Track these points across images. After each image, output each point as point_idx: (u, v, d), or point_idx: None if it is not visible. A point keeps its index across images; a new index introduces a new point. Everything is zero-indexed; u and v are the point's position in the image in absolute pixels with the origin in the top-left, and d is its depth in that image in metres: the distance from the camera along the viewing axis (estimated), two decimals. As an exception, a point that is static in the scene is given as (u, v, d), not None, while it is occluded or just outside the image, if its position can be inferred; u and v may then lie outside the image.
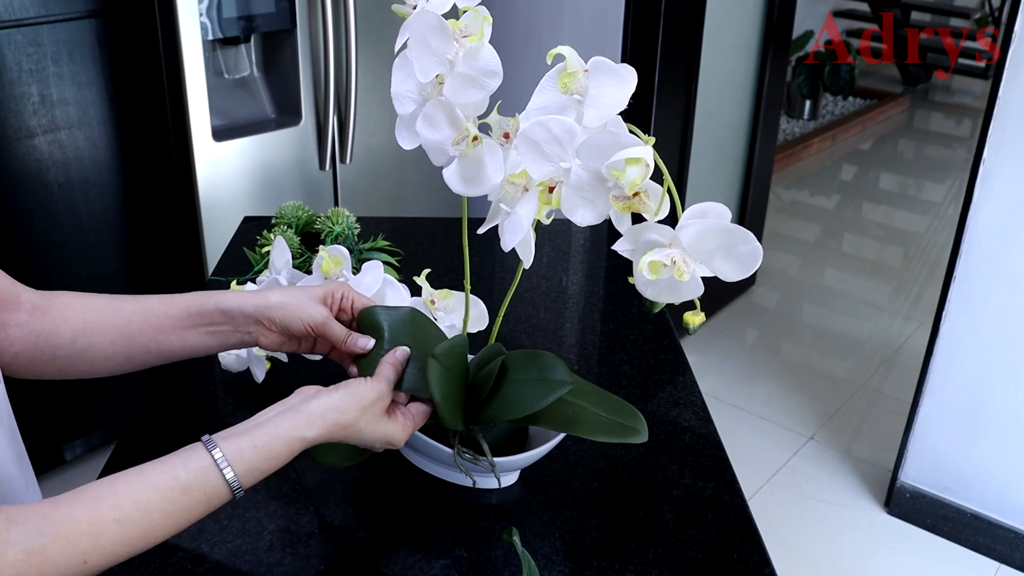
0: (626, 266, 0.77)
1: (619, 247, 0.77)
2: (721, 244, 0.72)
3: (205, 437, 0.74)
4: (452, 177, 0.79)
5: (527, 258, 0.81)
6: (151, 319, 0.87)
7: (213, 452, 0.72)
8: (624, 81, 0.74)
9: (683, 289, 0.75)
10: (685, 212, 0.74)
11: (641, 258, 0.73)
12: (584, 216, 0.76)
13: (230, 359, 1.13)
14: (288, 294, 0.88)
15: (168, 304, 0.88)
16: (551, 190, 0.76)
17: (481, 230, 0.80)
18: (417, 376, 0.85)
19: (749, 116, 3.06)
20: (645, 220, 0.75)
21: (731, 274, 0.74)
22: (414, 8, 0.76)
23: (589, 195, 0.75)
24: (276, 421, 0.76)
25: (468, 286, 0.91)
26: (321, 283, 0.92)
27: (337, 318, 0.90)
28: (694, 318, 0.79)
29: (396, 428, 0.83)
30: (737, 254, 0.72)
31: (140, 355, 0.88)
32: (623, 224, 0.77)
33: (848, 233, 4.08)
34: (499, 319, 0.93)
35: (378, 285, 1.00)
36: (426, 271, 0.99)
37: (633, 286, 0.77)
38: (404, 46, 0.78)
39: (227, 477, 0.72)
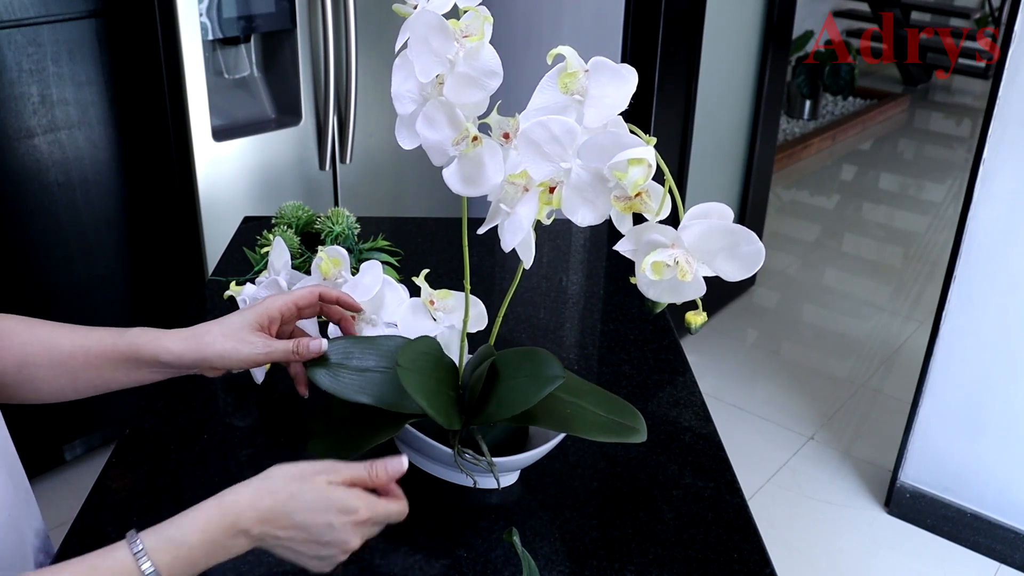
0: (626, 266, 0.77)
1: (621, 247, 0.77)
2: (724, 244, 0.72)
3: (130, 532, 0.69)
4: (452, 177, 0.79)
5: (527, 258, 0.81)
6: (91, 358, 0.86)
7: (133, 545, 0.68)
8: (625, 81, 0.74)
9: (685, 289, 0.75)
10: (688, 212, 0.74)
11: (644, 258, 0.73)
12: (585, 216, 0.76)
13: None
14: (221, 339, 0.85)
15: (107, 344, 0.86)
16: (551, 190, 0.76)
17: (481, 230, 0.79)
18: (389, 388, 0.85)
19: (749, 116, 3.06)
20: (646, 220, 0.75)
21: (734, 274, 0.74)
22: (415, 8, 0.76)
23: (590, 195, 0.75)
24: (205, 503, 0.72)
25: (468, 286, 0.91)
26: (254, 306, 0.90)
27: (281, 331, 0.90)
28: (696, 317, 0.79)
29: (352, 498, 0.73)
30: (740, 254, 0.73)
31: (87, 387, 0.87)
32: (624, 224, 0.77)
33: (848, 233, 4.08)
34: (499, 319, 0.93)
35: (377, 286, 1.00)
36: (425, 271, 0.99)
37: (633, 286, 0.77)
38: (404, 46, 0.77)
39: (143, 568, 0.67)
